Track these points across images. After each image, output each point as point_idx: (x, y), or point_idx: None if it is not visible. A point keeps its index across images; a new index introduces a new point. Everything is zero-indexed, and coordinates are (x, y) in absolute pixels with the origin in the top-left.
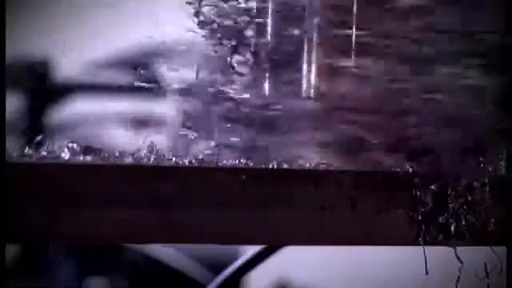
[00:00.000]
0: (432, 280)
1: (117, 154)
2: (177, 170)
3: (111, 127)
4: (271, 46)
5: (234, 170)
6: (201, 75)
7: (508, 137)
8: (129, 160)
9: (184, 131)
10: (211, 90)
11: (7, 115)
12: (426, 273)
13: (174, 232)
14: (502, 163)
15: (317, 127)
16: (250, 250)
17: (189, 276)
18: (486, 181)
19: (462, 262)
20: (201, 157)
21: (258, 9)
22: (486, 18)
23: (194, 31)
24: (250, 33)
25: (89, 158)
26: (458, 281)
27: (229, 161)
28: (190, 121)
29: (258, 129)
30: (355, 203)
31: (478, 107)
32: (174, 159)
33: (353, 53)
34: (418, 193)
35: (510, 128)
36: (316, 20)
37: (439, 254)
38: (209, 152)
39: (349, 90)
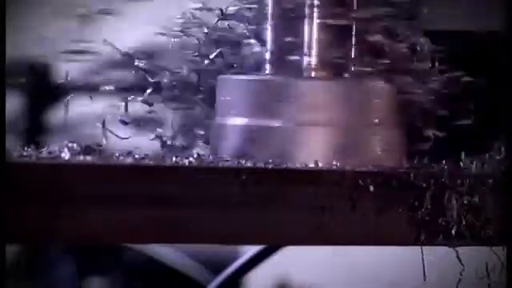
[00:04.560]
0: (432, 280)
1: (117, 154)
2: (177, 169)
3: (111, 127)
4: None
5: (234, 170)
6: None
7: (508, 136)
8: (129, 160)
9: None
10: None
11: (7, 115)
12: (424, 279)
13: (174, 232)
14: (502, 163)
15: None
16: (250, 250)
17: (189, 276)
18: (487, 181)
19: (463, 264)
20: (201, 156)
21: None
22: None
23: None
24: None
25: (89, 158)
26: (458, 283)
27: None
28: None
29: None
30: (355, 203)
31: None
32: (174, 159)
33: None
34: (418, 193)
35: (510, 127)
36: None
37: (439, 254)
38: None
39: None
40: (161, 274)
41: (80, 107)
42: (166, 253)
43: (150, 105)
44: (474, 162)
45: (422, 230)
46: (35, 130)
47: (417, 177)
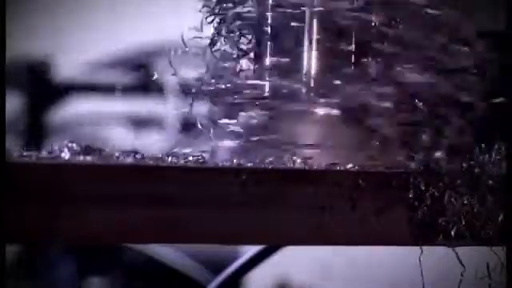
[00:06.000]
0: (432, 280)
1: (117, 154)
2: (177, 169)
3: (111, 127)
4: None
5: (234, 170)
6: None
7: (508, 136)
8: (129, 160)
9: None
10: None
11: (7, 115)
12: (423, 280)
13: (174, 232)
14: (503, 163)
15: None
16: (250, 250)
17: (189, 276)
18: (487, 181)
19: (464, 266)
20: (200, 157)
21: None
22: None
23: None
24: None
25: (89, 158)
26: (459, 283)
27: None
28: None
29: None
30: (355, 203)
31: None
32: (173, 159)
33: None
34: (418, 193)
35: (510, 127)
36: None
37: (439, 254)
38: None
39: None
40: (161, 273)
41: (80, 107)
42: (166, 253)
43: None
44: (474, 162)
45: (422, 230)
46: (35, 130)
47: (417, 177)
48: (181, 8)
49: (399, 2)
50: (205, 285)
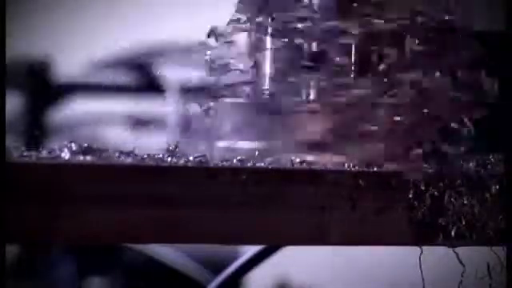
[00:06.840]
0: (432, 280)
1: (117, 154)
2: (177, 169)
3: (111, 127)
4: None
5: (234, 170)
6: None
7: (508, 136)
8: (129, 160)
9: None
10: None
11: (7, 115)
12: (423, 280)
13: (174, 232)
14: (502, 163)
15: None
16: (250, 250)
17: (189, 276)
18: (487, 181)
19: (464, 265)
20: (201, 157)
21: None
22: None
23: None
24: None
25: (89, 158)
26: (460, 283)
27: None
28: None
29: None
30: (355, 203)
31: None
32: (174, 159)
33: None
34: (418, 193)
35: (510, 127)
36: None
37: (439, 254)
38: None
39: None
40: (161, 273)
41: (80, 107)
42: (166, 253)
43: None
44: (475, 162)
45: (422, 230)
46: (35, 130)
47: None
48: (178, 8)
49: None
50: (205, 285)
